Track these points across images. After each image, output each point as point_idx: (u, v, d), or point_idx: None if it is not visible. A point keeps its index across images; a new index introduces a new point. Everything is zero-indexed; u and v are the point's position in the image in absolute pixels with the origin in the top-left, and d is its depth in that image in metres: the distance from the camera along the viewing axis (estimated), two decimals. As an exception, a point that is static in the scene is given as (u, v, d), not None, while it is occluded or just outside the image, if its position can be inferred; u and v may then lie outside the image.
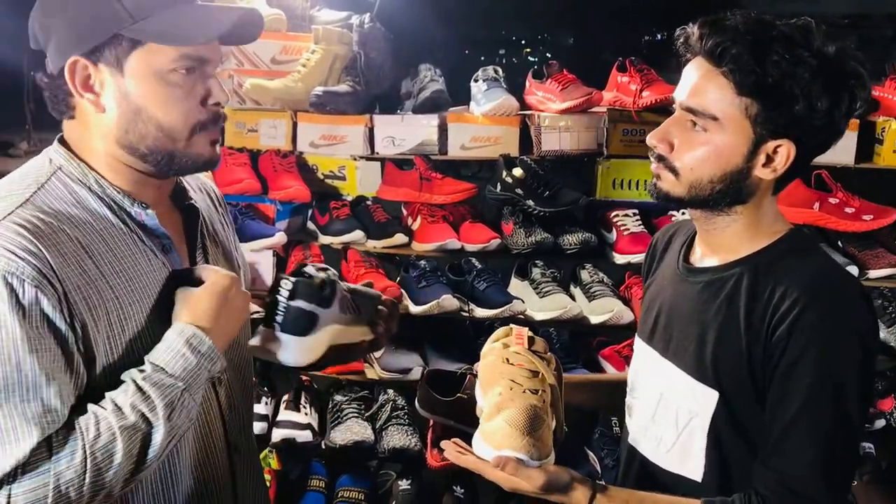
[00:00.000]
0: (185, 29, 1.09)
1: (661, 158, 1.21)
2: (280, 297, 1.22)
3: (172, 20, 1.08)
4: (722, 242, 1.25)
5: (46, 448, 1.01)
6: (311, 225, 2.55)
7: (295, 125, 2.50)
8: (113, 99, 1.11)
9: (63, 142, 1.17)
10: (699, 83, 1.15)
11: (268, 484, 2.13)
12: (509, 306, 2.27)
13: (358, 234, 2.43)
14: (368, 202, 2.55)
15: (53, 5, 1.11)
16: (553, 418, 1.27)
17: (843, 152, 2.24)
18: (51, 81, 1.13)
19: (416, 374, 2.31)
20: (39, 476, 0.99)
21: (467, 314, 2.33)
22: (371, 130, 2.47)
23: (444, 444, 1.25)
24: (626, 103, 2.34)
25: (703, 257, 1.29)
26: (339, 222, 2.46)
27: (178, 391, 1.07)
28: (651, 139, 1.21)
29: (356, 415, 2.34)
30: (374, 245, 2.45)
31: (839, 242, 2.30)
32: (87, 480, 1.00)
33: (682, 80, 1.19)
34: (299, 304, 1.22)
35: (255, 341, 1.24)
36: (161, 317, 1.15)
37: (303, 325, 1.22)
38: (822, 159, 2.16)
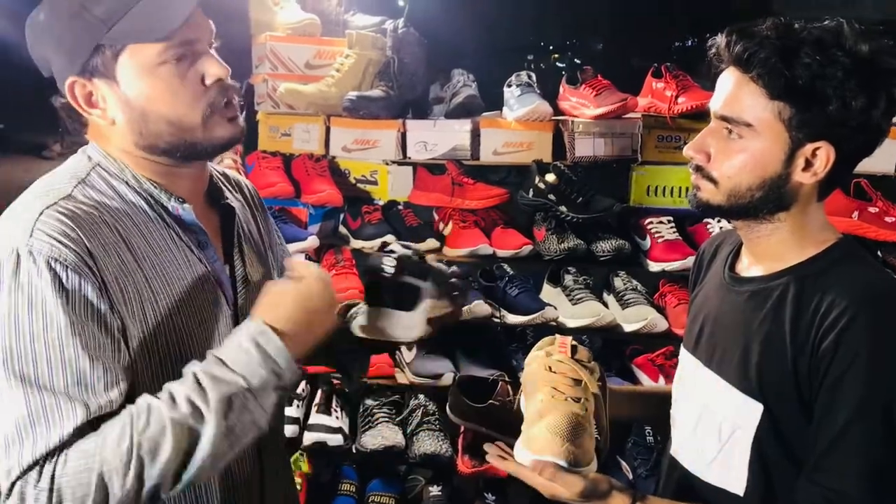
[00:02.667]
0: (155, 21, 1.07)
1: (698, 169, 1.20)
2: (386, 274, 1.22)
3: (142, 15, 1.07)
4: (767, 251, 1.22)
5: (92, 431, 0.99)
6: (342, 229, 2.56)
7: (328, 129, 2.51)
8: (117, 108, 1.11)
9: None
10: (732, 91, 1.14)
11: (298, 487, 2.13)
12: (541, 313, 2.25)
13: (389, 239, 2.42)
14: (400, 207, 2.55)
15: (37, 36, 1.12)
16: (595, 428, 1.26)
17: (883, 160, 2.20)
18: (64, 103, 1.15)
19: (447, 379, 2.31)
20: (85, 459, 0.97)
21: (499, 320, 2.32)
22: (403, 135, 2.47)
23: (487, 446, 1.24)
24: (662, 109, 2.31)
25: (749, 267, 1.27)
26: (370, 227, 2.47)
27: (235, 387, 1.02)
28: (688, 150, 1.21)
29: (387, 419, 2.34)
30: (406, 250, 2.44)
31: (878, 252, 2.26)
32: (132, 472, 0.97)
33: (716, 90, 1.18)
34: (406, 279, 1.22)
35: (361, 321, 1.22)
36: (195, 313, 1.15)
37: (411, 299, 1.22)
38: (861, 168, 2.15)
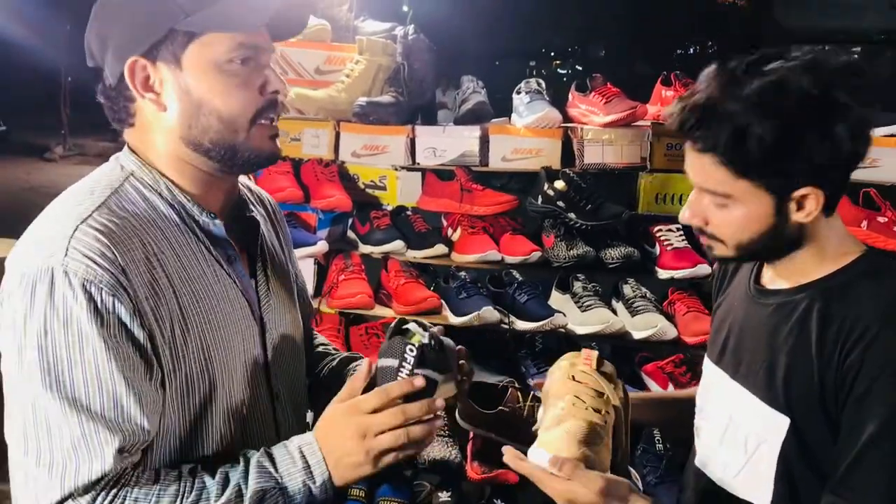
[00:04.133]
0: (236, 16, 1.11)
1: (702, 231, 1.23)
2: (406, 365, 1.16)
3: (223, 10, 1.10)
4: (790, 268, 1.23)
5: (133, 473, 1.04)
6: (351, 234, 2.56)
7: (337, 135, 2.52)
8: (174, 95, 1.12)
9: (132, 149, 1.19)
10: (702, 169, 1.15)
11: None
12: (550, 319, 2.26)
13: (398, 244, 2.43)
14: (408, 212, 2.56)
15: (108, 12, 1.13)
16: (614, 444, 1.27)
17: (891, 171, 2.21)
18: (111, 92, 1.15)
19: (455, 385, 2.30)
20: None
21: (508, 326, 2.32)
22: (412, 141, 2.48)
23: (505, 449, 1.24)
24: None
25: (774, 279, 1.27)
26: (379, 232, 2.47)
27: (272, 484, 1.09)
28: (685, 218, 1.23)
29: (396, 425, 2.33)
30: (415, 255, 2.45)
31: None
32: None
33: (687, 161, 1.19)
34: (426, 372, 1.17)
35: None
36: (222, 328, 1.16)
37: (427, 392, 1.16)
38: (870, 177, 2.18)
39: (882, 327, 1.08)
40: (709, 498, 1.32)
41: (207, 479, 1.07)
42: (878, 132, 2.20)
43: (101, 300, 1.01)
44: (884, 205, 2.23)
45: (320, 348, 1.56)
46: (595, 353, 1.37)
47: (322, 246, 2.43)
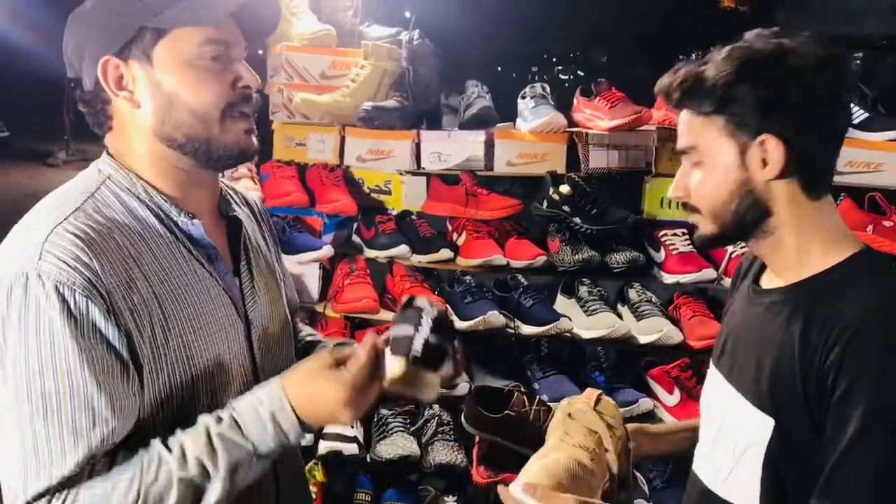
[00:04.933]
0: (203, 11, 1.13)
1: (685, 205, 1.27)
2: (421, 331, 1.18)
3: (190, 5, 1.12)
4: (781, 263, 1.22)
5: (95, 462, 1.03)
6: (356, 238, 2.56)
7: (343, 139, 2.53)
8: (146, 92, 1.14)
9: (111, 154, 1.20)
10: (679, 127, 1.24)
11: (313, 496, 2.13)
12: (556, 324, 2.26)
13: (403, 249, 2.43)
14: (413, 217, 2.56)
15: (80, 20, 1.16)
16: (617, 477, 1.30)
17: (896, 174, 2.21)
18: (89, 97, 1.17)
19: (461, 389, 2.30)
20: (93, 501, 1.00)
21: (513, 331, 2.32)
22: (418, 145, 2.49)
23: (500, 488, 1.26)
24: (676, 122, 2.32)
25: (772, 279, 1.27)
26: (384, 236, 2.47)
27: (245, 453, 1.08)
28: (671, 193, 1.29)
29: (402, 429, 2.33)
30: (420, 259, 2.45)
31: (893, 266, 2.26)
32: None
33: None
34: (439, 338, 1.18)
35: (395, 374, 1.17)
36: (206, 326, 1.17)
37: (439, 359, 1.18)
38: (876, 181, 2.19)
39: (863, 326, 1.06)
40: (701, 502, 1.31)
41: (164, 452, 1.05)
42: (881, 136, 2.21)
43: (75, 302, 1.02)
44: (889, 209, 2.23)
45: (308, 338, 1.57)
46: (596, 393, 1.39)
47: (327, 250, 2.43)
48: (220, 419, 1.09)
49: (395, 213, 2.57)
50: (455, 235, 2.52)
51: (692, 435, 1.42)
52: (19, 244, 1.06)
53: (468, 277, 2.48)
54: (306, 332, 1.60)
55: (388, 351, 1.16)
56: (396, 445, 2.26)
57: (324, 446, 2.30)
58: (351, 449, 2.28)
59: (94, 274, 1.03)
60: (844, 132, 1.20)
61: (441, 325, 1.20)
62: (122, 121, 1.18)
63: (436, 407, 2.41)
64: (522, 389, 2.11)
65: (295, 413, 1.10)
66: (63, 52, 1.18)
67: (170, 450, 1.05)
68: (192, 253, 1.18)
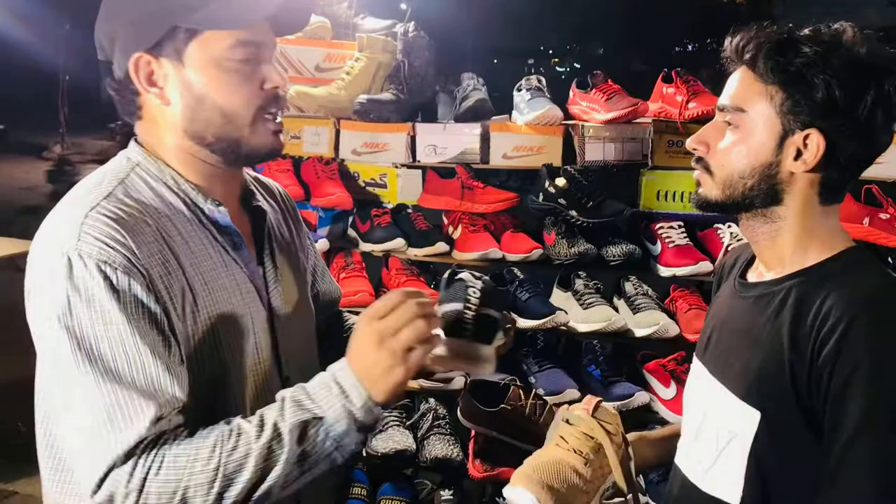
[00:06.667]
0: (237, 14, 1.13)
1: (699, 160, 1.23)
2: (471, 305, 1.15)
3: (224, 8, 1.13)
4: (774, 255, 1.22)
5: (172, 432, 1.05)
6: (351, 232, 2.55)
7: (338, 132, 2.51)
8: (176, 90, 1.15)
9: (139, 143, 1.22)
10: (731, 83, 1.20)
11: None
12: (552, 317, 2.25)
13: (399, 242, 2.42)
14: (409, 210, 2.55)
15: (113, 10, 1.17)
16: (610, 490, 1.32)
17: (893, 167, 2.20)
18: (119, 86, 1.18)
19: (457, 383, 2.30)
20: (176, 472, 1.03)
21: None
22: (413, 138, 2.47)
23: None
24: (672, 114, 2.32)
25: (760, 273, 1.26)
26: (380, 230, 2.46)
27: (310, 415, 1.06)
28: (689, 142, 1.25)
29: (397, 423, 2.33)
30: (416, 253, 2.44)
31: (889, 258, 2.26)
32: (215, 490, 1.03)
33: (726, 87, 1.23)
34: (489, 311, 1.16)
35: (440, 352, 1.14)
36: (231, 313, 1.18)
37: (492, 332, 1.16)
38: (872, 174, 2.17)
39: (856, 317, 1.06)
40: (682, 495, 1.30)
41: (244, 423, 1.07)
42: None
43: (117, 279, 1.05)
44: (886, 201, 2.22)
45: (349, 324, 1.58)
46: (595, 400, 1.39)
47: (323, 244, 2.42)
48: (294, 389, 1.10)
49: (390, 206, 2.56)
50: (451, 229, 2.51)
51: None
52: (56, 230, 1.09)
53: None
54: (352, 321, 1.59)
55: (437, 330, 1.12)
56: (392, 440, 2.25)
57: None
58: (347, 443, 2.27)
59: (131, 253, 1.07)
60: (877, 155, 1.18)
61: (488, 296, 1.17)
62: (151, 114, 1.19)
63: (432, 401, 2.41)
64: (518, 383, 2.11)
65: (354, 375, 1.07)
66: (95, 36, 1.19)
67: (249, 421, 1.07)
68: (217, 240, 1.20)
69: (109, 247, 1.05)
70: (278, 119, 1.22)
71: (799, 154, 1.14)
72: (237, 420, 1.08)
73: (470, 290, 1.15)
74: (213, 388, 1.16)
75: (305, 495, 1.27)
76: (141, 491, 1.02)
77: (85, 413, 1.03)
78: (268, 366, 1.25)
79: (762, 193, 1.17)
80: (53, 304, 1.05)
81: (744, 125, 1.17)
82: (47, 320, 1.06)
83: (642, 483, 2.23)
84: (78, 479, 1.10)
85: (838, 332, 1.06)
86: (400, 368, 1.06)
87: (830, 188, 1.17)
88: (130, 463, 1.02)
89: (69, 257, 1.04)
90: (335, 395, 1.06)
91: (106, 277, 1.04)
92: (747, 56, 1.16)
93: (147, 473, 1.02)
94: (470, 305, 1.14)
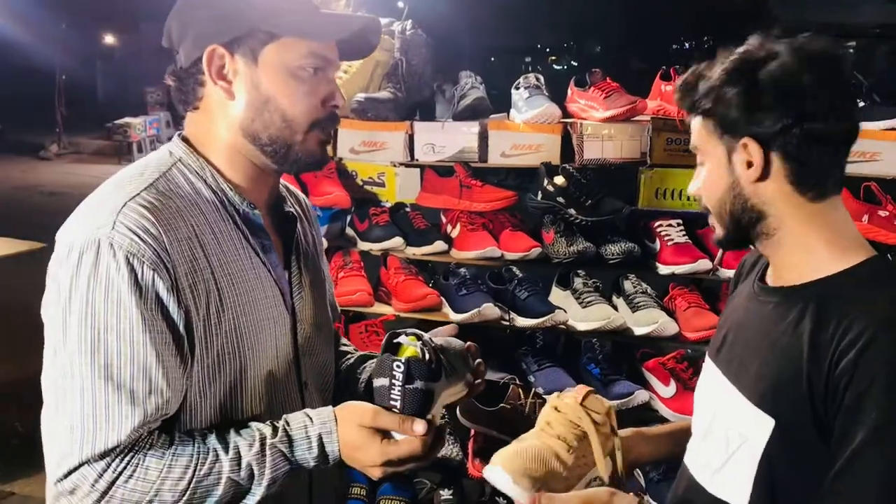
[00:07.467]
0: (318, 26, 1.17)
1: (704, 207, 1.29)
2: (396, 383, 1.14)
3: (306, 18, 1.16)
4: (786, 264, 1.21)
5: (148, 438, 1.08)
6: (350, 231, 2.55)
7: (336, 131, 2.49)
8: (244, 88, 1.18)
9: (184, 139, 1.24)
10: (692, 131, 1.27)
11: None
12: (551, 316, 2.25)
13: (397, 241, 2.42)
14: (407, 209, 2.55)
15: (195, 1, 1.20)
16: (595, 482, 1.32)
17: (892, 164, 2.20)
18: (183, 74, 1.21)
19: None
20: (144, 484, 1.06)
21: (508, 323, 2.31)
22: (411, 137, 2.46)
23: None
24: (671, 112, 2.31)
25: (778, 277, 1.25)
26: (378, 229, 2.46)
27: (288, 467, 1.14)
28: (689, 192, 1.32)
29: (396, 423, 2.32)
30: (414, 252, 2.44)
31: (889, 256, 2.26)
32: None
33: None
34: (417, 385, 1.14)
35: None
36: (255, 313, 1.20)
37: (423, 405, 1.15)
38: (871, 171, 2.18)
39: (877, 332, 1.05)
40: (687, 496, 1.30)
41: (221, 453, 1.10)
42: (877, 126, 2.20)
43: (142, 273, 1.07)
44: (885, 199, 2.22)
45: (342, 348, 1.60)
46: (586, 389, 1.40)
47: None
48: (274, 430, 1.14)
49: (388, 205, 2.56)
50: (449, 227, 2.50)
51: (678, 439, 1.41)
52: (92, 214, 1.11)
53: (463, 270, 2.47)
54: (342, 341, 1.62)
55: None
56: (391, 439, 2.25)
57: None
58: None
59: (162, 248, 1.08)
60: (840, 136, 1.16)
61: (419, 370, 1.14)
62: (210, 106, 1.21)
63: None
64: (518, 382, 2.11)
65: (338, 445, 1.15)
66: (166, 24, 1.21)
67: (226, 450, 1.10)
68: (248, 241, 1.22)
69: (141, 239, 1.07)
70: (330, 134, 1.26)
71: (749, 164, 1.17)
72: (213, 442, 1.11)
73: (394, 367, 1.13)
74: (231, 387, 1.18)
75: (317, 494, 1.33)
76: (105, 493, 1.05)
77: (74, 400, 1.05)
78: (287, 369, 1.27)
79: (744, 214, 1.20)
80: (72, 286, 1.06)
81: (707, 159, 1.23)
82: (63, 300, 1.07)
83: (641, 479, 2.23)
84: (47, 458, 1.10)
85: (858, 346, 1.05)
86: (377, 470, 1.14)
87: (804, 183, 1.16)
88: (103, 463, 1.05)
89: (99, 243, 1.06)
90: (313, 454, 1.14)
91: (132, 270, 1.06)
92: (678, 101, 1.26)
93: (117, 478, 1.05)
94: (395, 384, 1.13)
